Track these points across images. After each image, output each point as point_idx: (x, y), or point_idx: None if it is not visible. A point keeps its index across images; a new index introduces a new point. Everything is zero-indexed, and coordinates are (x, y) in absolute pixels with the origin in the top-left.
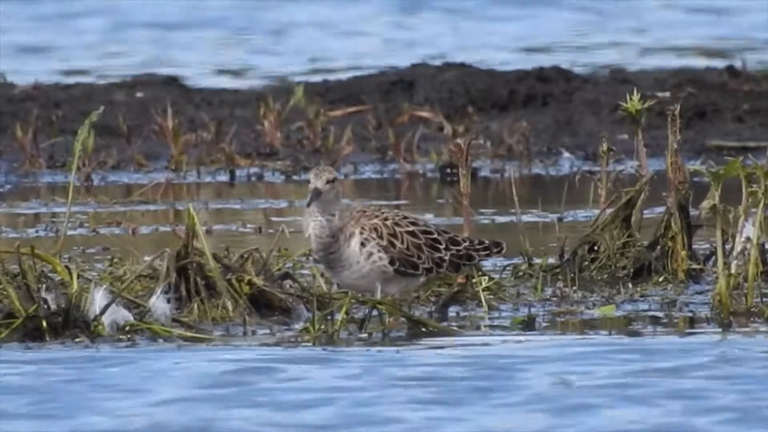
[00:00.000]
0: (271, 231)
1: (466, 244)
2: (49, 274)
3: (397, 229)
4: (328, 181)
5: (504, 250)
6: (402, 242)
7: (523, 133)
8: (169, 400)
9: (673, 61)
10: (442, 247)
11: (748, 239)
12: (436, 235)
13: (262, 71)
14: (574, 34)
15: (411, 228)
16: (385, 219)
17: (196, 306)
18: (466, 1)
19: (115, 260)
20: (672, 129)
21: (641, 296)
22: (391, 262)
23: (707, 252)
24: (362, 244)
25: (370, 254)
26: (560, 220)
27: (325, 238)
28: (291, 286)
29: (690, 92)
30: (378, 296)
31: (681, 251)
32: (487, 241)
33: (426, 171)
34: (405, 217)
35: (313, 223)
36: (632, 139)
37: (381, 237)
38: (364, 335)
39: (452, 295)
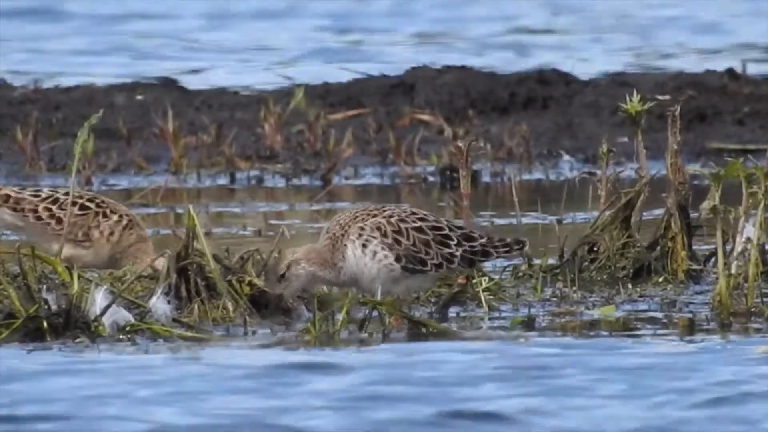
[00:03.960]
0: (271, 234)
1: (483, 240)
2: (50, 275)
3: (403, 225)
4: (279, 280)
5: (526, 248)
6: (408, 238)
7: (524, 136)
8: None
9: (673, 64)
10: (453, 243)
11: (749, 240)
12: (447, 231)
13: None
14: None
15: (418, 224)
16: (390, 216)
17: (196, 307)
18: None
19: None
20: (672, 130)
21: (641, 297)
22: (397, 259)
23: (707, 253)
24: (364, 245)
25: (375, 253)
26: (560, 222)
27: (332, 278)
28: None
29: (690, 95)
30: (378, 296)
31: (681, 252)
32: (508, 239)
33: (426, 174)
34: (413, 213)
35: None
36: (632, 142)
37: (385, 235)
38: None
39: (452, 295)
